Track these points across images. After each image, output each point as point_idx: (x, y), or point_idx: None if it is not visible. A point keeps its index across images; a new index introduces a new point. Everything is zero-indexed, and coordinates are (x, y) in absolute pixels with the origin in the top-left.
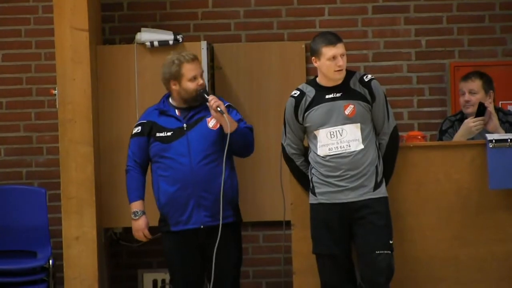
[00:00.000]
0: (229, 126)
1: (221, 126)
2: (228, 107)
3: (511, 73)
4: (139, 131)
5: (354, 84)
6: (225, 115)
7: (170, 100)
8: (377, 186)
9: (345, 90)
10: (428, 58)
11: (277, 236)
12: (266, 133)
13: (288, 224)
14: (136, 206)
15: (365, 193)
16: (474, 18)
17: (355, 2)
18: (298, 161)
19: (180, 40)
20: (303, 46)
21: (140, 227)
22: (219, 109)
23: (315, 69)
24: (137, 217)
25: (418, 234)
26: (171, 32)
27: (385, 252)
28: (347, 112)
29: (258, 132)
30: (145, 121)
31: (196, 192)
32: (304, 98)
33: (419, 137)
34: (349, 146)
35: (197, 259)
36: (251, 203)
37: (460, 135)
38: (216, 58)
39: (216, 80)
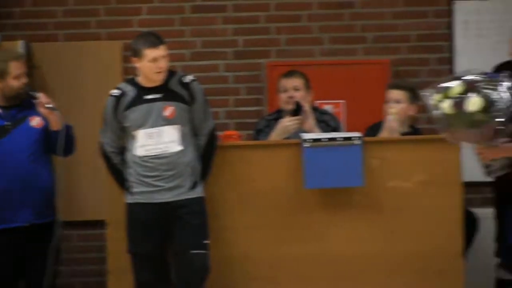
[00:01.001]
0: (59, 122)
1: (45, 126)
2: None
3: (328, 72)
4: None
5: (174, 85)
6: (56, 112)
7: None
8: (194, 186)
9: (165, 91)
10: (245, 57)
11: (92, 235)
12: (82, 132)
13: (102, 223)
14: None
15: (181, 193)
16: (292, 17)
17: (172, 1)
18: (116, 160)
19: None
20: (121, 45)
21: None
22: (49, 106)
23: (133, 68)
24: None
25: (234, 233)
26: None
27: (200, 252)
28: (166, 113)
29: (75, 130)
30: None
31: (22, 190)
32: (124, 98)
33: (235, 136)
34: (167, 148)
35: (13, 260)
36: (65, 202)
37: (276, 135)
38: (34, 57)
39: (33, 79)
